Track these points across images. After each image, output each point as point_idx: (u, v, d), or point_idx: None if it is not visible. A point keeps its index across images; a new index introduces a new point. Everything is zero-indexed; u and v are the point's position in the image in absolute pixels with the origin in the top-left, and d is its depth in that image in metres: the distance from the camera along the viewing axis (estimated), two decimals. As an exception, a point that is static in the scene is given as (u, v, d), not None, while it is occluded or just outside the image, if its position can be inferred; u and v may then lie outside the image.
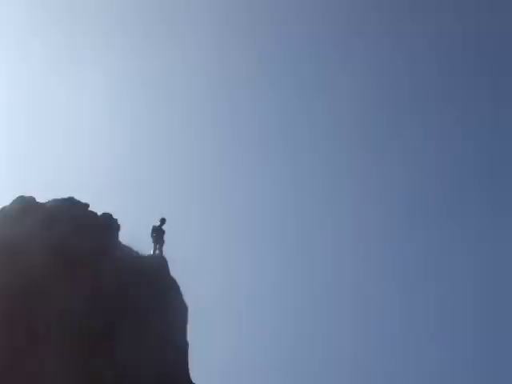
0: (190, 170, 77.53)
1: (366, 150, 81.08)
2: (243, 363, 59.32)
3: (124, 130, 79.45)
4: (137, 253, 24.09)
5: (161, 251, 25.33)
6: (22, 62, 75.55)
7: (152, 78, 72.06)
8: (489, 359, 68.60)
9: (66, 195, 23.75)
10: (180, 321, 23.41)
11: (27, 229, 21.44)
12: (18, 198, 23.03)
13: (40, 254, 20.61)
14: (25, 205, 22.63)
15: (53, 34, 75.86)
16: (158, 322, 22.01)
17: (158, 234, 25.70)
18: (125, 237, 24.08)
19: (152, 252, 25.18)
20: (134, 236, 24.78)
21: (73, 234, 21.81)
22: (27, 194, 23.38)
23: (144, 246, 24.99)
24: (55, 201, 23.31)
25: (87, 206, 23.76)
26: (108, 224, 23.64)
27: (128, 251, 23.69)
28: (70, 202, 23.35)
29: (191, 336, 23.56)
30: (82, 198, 23.94)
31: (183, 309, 23.87)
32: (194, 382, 22.28)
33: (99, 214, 23.85)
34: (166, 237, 25.75)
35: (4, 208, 22.70)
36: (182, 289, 24.23)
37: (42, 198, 23.48)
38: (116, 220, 24.10)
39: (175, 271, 24.53)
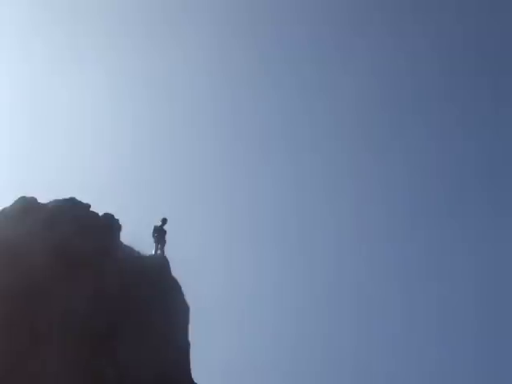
0: (191, 169, 77.58)
1: (367, 150, 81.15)
2: (245, 363, 59.28)
3: (126, 130, 79.65)
4: (138, 253, 24.09)
5: (162, 251, 25.32)
6: (24, 61, 75.79)
7: (154, 78, 72.12)
8: (490, 359, 68.67)
9: (67, 195, 23.78)
10: (182, 321, 23.43)
11: (29, 229, 21.44)
12: (19, 198, 23.04)
13: (42, 255, 20.62)
14: (26, 205, 22.64)
15: (55, 34, 76.27)
16: (159, 322, 22.02)
17: (159, 234, 25.71)
18: (126, 237, 24.16)
19: (153, 252, 25.16)
20: (136, 236, 24.84)
21: (74, 234, 21.82)
22: (29, 194, 23.42)
23: (145, 246, 25.04)
24: (57, 201, 23.31)
25: (89, 206, 23.76)
26: (110, 224, 23.64)
27: (130, 251, 23.70)
28: (72, 203, 23.35)
29: (193, 336, 23.63)
30: (84, 198, 24.01)
31: (185, 309, 23.88)
32: (195, 381, 22.30)
33: (101, 214, 23.86)
34: (167, 237, 25.77)
35: (5, 208, 22.70)
36: (184, 289, 24.28)
37: (43, 198, 23.55)
38: (118, 220, 24.11)
39: (177, 271, 24.58)
